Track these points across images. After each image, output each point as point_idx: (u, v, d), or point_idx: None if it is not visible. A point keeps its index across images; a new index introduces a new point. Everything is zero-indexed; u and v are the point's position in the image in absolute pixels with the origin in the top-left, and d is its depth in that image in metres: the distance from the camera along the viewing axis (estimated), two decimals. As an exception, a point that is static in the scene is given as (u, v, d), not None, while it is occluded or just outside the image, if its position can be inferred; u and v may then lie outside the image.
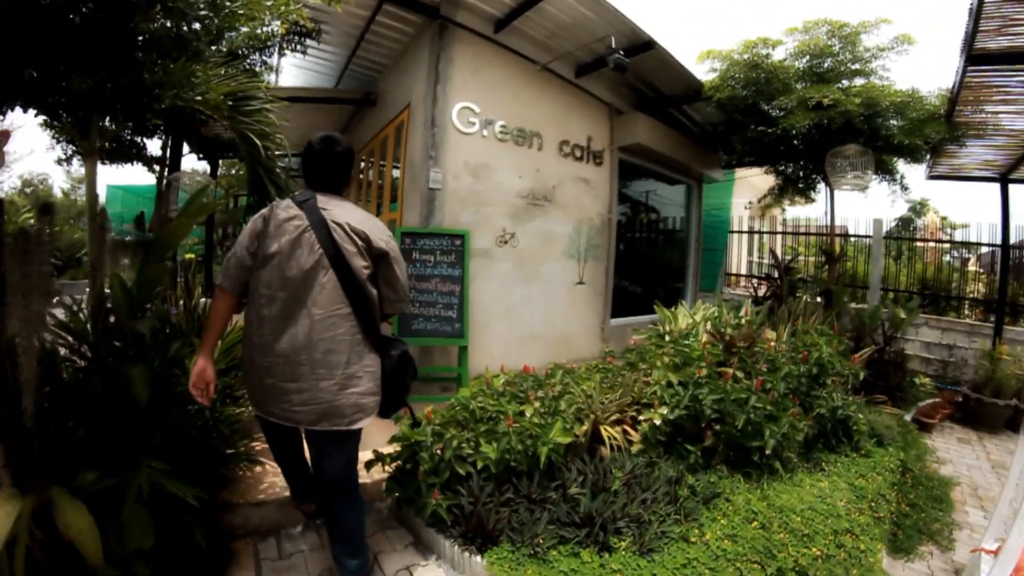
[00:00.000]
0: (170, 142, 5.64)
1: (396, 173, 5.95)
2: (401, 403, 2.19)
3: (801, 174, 8.87)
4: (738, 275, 13.33)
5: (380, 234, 2.04)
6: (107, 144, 5.18)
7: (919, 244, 10.20)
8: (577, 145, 6.20)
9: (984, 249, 8.72)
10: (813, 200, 10.03)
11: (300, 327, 1.92)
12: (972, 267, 9.83)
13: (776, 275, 8.18)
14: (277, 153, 3.73)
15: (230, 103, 3.63)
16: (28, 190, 17.95)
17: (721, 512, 2.88)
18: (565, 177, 6.03)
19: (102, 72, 2.50)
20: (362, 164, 7.43)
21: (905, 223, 16.56)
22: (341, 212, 2.02)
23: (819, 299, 7.76)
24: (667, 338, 5.13)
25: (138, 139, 5.18)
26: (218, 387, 2.62)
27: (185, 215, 2.60)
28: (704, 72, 7.07)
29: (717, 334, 4.99)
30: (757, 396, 3.74)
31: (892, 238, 10.46)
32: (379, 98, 6.55)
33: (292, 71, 7.04)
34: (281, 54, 5.96)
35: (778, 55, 7.17)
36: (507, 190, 5.32)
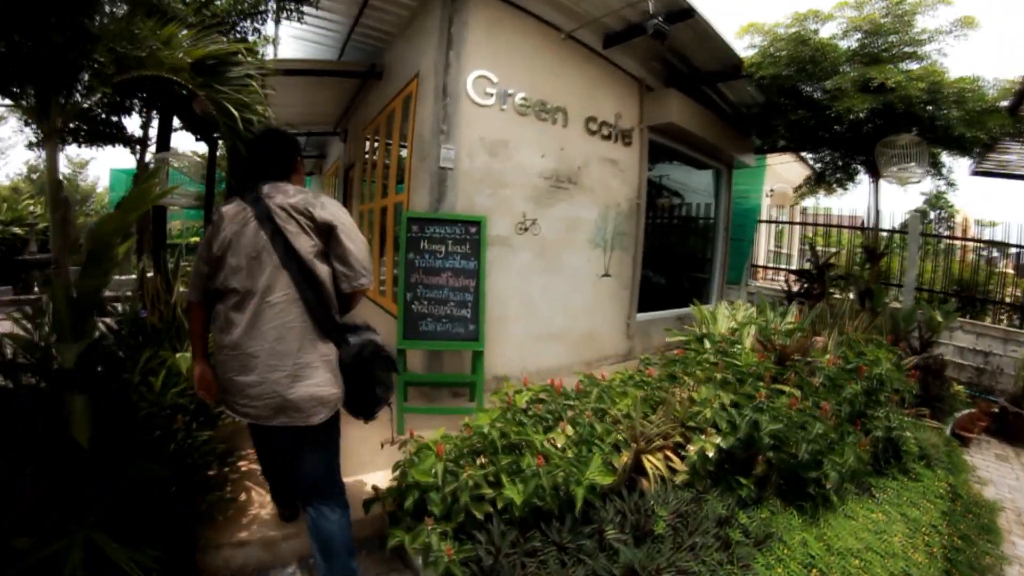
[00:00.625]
0: (158, 121, 5.10)
1: (404, 153, 5.39)
2: (376, 402, 2.07)
3: (841, 163, 8.28)
4: (764, 267, 12.69)
5: (325, 208, 1.95)
6: (77, 125, 4.68)
7: (949, 242, 9.56)
8: (605, 123, 5.58)
9: (1012, 251, 8.12)
10: (848, 191, 9.46)
11: (251, 317, 1.87)
12: (1006, 268, 9.22)
13: (813, 270, 7.57)
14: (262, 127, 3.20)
15: (205, 69, 3.12)
16: (35, 176, 17.56)
17: (776, 556, 2.56)
18: (591, 157, 5.42)
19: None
20: (367, 143, 6.86)
21: (921, 215, 16.02)
22: (282, 196, 1.95)
23: (850, 295, 7.15)
24: (707, 344, 4.58)
25: (114, 118, 4.65)
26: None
27: (123, 208, 2.07)
28: (743, 48, 6.44)
29: (767, 343, 4.43)
30: (822, 423, 3.22)
31: (930, 236, 9.77)
32: (385, 70, 5.96)
33: (291, 43, 6.47)
34: (277, 22, 5.39)
35: (825, 32, 6.54)
36: (528, 170, 4.73)
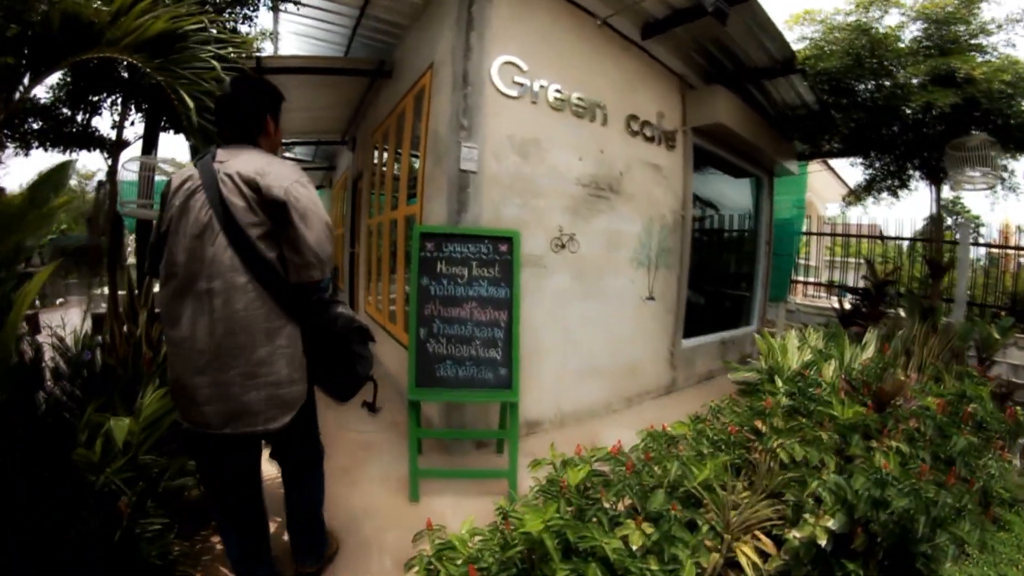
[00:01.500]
0: (144, 122, 4.44)
1: (416, 161, 4.70)
2: (356, 382, 1.80)
3: (894, 168, 7.54)
4: (804, 282, 11.81)
5: (278, 180, 1.61)
6: (42, 126, 4.04)
7: (995, 251, 8.76)
8: (647, 122, 4.83)
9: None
10: (899, 199, 8.81)
11: (195, 307, 1.60)
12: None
13: (870, 287, 6.75)
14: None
15: (162, 47, 2.45)
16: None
17: None
18: (633, 162, 4.67)
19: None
20: (375, 150, 6.17)
21: (936, 223, 15.36)
22: (236, 162, 1.64)
23: (900, 311, 6.35)
24: (779, 382, 3.79)
25: (80, 116, 4.00)
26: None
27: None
28: (792, 40, 5.76)
29: (861, 385, 3.64)
30: (951, 493, 2.52)
31: (980, 245, 8.92)
32: (395, 67, 5.29)
33: (292, 40, 5.84)
34: (274, 10, 4.75)
35: (885, 21, 5.87)
36: (564, 176, 3.97)
